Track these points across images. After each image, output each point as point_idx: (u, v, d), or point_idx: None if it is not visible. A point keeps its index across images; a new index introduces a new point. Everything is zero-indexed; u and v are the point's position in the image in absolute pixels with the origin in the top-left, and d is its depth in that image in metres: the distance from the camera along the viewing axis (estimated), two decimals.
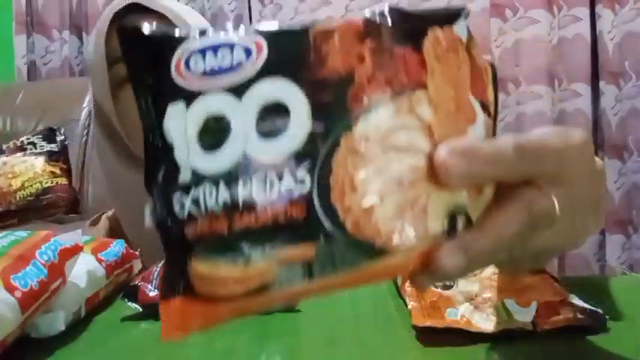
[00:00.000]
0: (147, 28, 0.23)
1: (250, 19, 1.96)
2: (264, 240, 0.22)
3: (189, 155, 0.23)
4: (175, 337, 0.24)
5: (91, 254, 0.49)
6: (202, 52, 0.23)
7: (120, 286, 0.53)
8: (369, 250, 0.23)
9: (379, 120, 0.23)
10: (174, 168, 0.23)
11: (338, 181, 0.23)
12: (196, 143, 0.23)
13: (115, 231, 0.80)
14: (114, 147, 0.70)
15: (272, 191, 0.22)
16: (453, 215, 0.24)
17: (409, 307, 0.39)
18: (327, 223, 0.23)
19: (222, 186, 0.22)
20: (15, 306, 0.35)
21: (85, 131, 1.81)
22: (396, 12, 0.24)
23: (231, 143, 0.23)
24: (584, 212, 0.29)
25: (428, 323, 0.37)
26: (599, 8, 1.76)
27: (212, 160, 0.23)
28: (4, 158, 0.66)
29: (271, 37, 0.23)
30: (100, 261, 0.49)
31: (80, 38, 2.10)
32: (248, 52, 0.23)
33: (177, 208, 0.23)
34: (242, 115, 0.23)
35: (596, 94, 1.80)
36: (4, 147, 0.67)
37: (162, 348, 0.39)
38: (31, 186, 0.63)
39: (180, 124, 0.23)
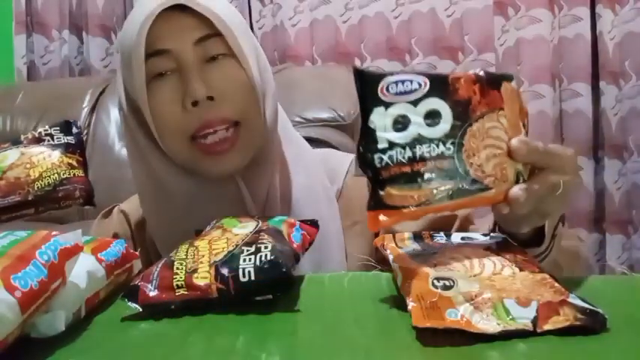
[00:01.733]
0: (368, 71, 0.45)
1: (250, 18, 1.97)
2: (430, 176, 0.44)
3: (386, 133, 0.43)
4: (375, 229, 0.46)
5: (91, 254, 0.49)
6: (396, 83, 0.44)
7: (120, 286, 0.53)
8: (481, 185, 0.45)
9: (484, 123, 0.46)
10: (374, 140, 0.43)
11: (466, 150, 0.45)
12: (391, 127, 0.43)
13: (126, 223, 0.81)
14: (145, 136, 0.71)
15: (434, 152, 0.44)
16: (518, 174, 0.48)
17: (409, 307, 0.39)
18: (460, 170, 0.45)
19: (407, 149, 0.43)
20: (15, 306, 0.35)
21: (85, 131, 1.81)
22: (486, 72, 0.47)
23: (411, 128, 0.44)
24: (570, 192, 0.51)
25: (428, 324, 0.37)
26: (599, 8, 1.76)
27: (401, 136, 0.43)
28: (22, 149, 0.67)
29: (430, 77, 0.45)
30: (100, 261, 0.49)
31: (80, 38, 2.10)
32: (419, 84, 0.44)
33: (376, 162, 0.43)
34: (417, 115, 0.44)
35: (596, 94, 1.80)
36: (23, 137, 0.68)
37: (162, 348, 0.39)
38: (49, 177, 0.63)
39: (381, 118, 0.43)
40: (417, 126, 0.43)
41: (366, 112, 0.44)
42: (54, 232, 0.44)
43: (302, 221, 0.61)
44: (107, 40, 2.07)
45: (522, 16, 1.80)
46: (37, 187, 0.62)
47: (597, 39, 1.78)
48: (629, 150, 1.76)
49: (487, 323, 0.37)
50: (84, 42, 2.07)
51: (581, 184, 0.59)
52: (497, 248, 0.48)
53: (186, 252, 0.50)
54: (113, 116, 1.81)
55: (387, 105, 0.43)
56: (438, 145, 0.43)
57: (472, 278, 0.41)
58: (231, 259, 0.47)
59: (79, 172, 0.65)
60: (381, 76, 0.44)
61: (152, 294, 0.46)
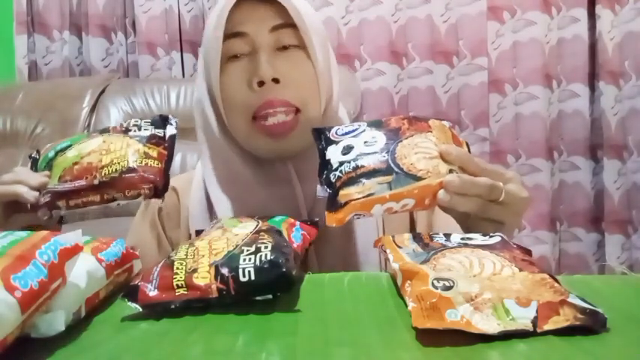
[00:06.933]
0: (321, 127, 0.64)
1: None
2: (370, 175, 0.55)
3: (337, 158, 0.58)
4: (335, 224, 0.54)
5: (91, 254, 0.49)
6: (341, 128, 0.62)
7: (120, 286, 0.53)
8: (415, 177, 0.54)
9: (414, 139, 0.58)
10: (330, 165, 0.58)
11: (398, 156, 0.56)
12: (340, 154, 0.58)
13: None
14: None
15: (372, 160, 0.56)
16: (451, 171, 0.56)
17: (409, 307, 0.39)
18: (396, 168, 0.55)
19: (352, 162, 0.56)
20: (15, 306, 0.35)
21: (85, 131, 1.81)
22: (414, 115, 0.63)
23: (354, 150, 0.58)
24: (518, 204, 0.59)
25: (428, 325, 0.37)
26: (598, 8, 1.76)
27: (347, 157, 0.57)
28: (105, 137, 0.65)
29: (367, 121, 0.61)
30: (100, 261, 0.49)
31: (80, 38, 2.10)
32: (359, 125, 0.61)
33: (332, 178, 0.56)
34: (358, 142, 0.59)
35: (595, 95, 1.80)
36: (111, 127, 0.67)
37: (162, 348, 0.39)
38: (118, 163, 0.61)
39: (334, 151, 0.59)
40: (359, 148, 0.58)
41: (323, 151, 0.60)
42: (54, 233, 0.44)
43: (302, 221, 0.61)
44: (107, 40, 2.07)
45: (518, 19, 1.81)
46: (104, 173, 0.59)
47: (596, 39, 1.78)
48: (629, 150, 1.76)
49: (487, 323, 0.37)
50: (84, 42, 2.07)
51: (529, 200, 0.60)
52: (497, 248, 0.48)
53: (186, 252, 0.50)
54: (113, 116, 1.81)
55: (337, 142, 0.60)
56: (374, 155, 0.56)
57: (472, 278, 0.41)
58: (231, 259, 0.47)
59: (154, 163, 0.61)
60: (330, 127, 0.62)
61: (152, 294, 0.46)
